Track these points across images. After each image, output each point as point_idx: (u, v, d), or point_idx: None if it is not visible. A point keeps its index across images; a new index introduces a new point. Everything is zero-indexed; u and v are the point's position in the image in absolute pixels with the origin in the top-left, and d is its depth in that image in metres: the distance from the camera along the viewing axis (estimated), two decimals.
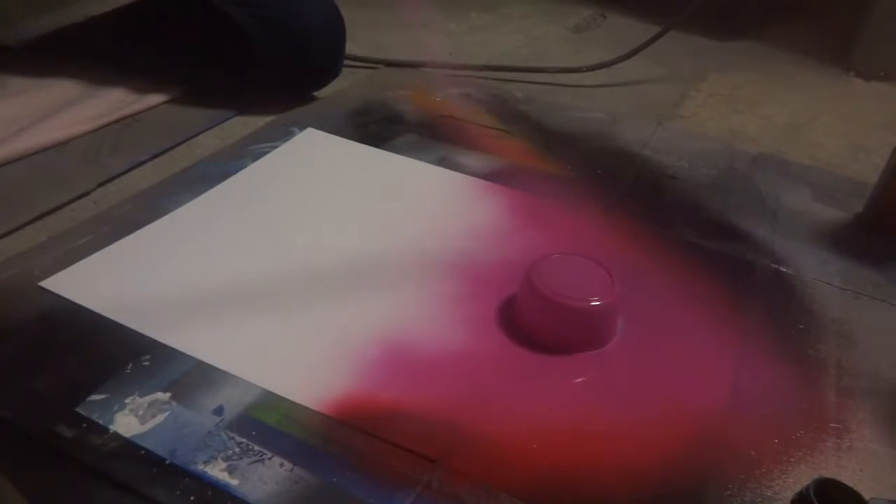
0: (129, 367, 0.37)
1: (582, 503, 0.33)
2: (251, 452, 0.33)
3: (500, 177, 0.58)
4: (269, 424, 0.34)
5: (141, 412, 0.34)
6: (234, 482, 0.31)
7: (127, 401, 0.35)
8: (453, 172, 0.58)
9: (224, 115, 0.65)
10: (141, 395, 0.35)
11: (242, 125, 0.64)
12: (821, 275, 0.50)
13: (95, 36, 0.70)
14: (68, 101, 0.62)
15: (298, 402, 0.36)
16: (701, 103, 0.79)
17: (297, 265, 0.46)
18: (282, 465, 0.32)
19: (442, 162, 0.59)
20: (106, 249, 0.45)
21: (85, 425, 0.33)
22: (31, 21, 0.29)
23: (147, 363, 0.37)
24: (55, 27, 0.29)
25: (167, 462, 0.32)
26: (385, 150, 0.60)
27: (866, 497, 0.31)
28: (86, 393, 0.35)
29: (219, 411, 0.35)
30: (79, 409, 0.34)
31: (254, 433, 0.34)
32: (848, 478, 0.32)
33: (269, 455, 0.33)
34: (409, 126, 0.65)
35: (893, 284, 0.49)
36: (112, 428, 0.33)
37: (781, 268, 0.50)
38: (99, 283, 0.42)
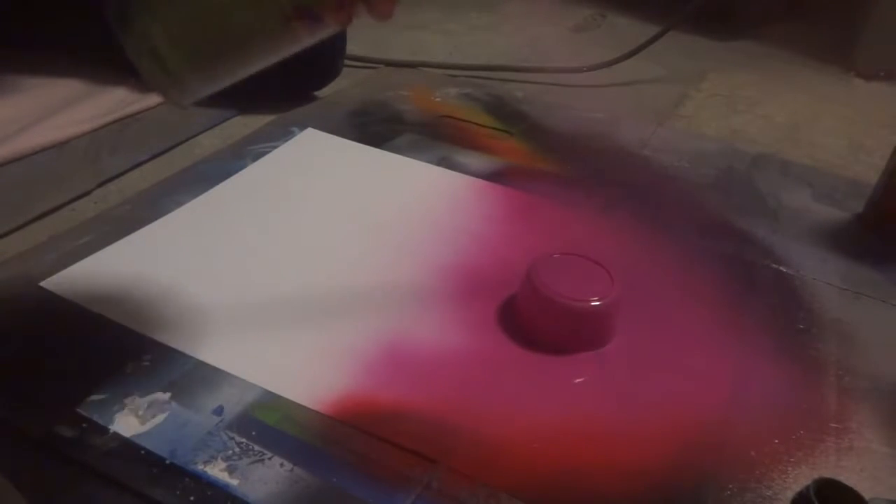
0: (129, 367, 0.37)
1: (582, 503, 0.33)
2: (251, 452, 0.33)
3: (500, 177, 0.58)
4: (269, 424, 0.34)
5: (141, 412, 0.34)
6: (234, 482, 0.31)
7: (127, 401, 0.35)
8: (453, 172, 0.58)
9: (224, 115, 0.65)
10: (141, 395, 0.35)
11: (242, 125, 0.64)
12: (821, 275, 0.50)
13: (96, 36, 0.70)
14: (68, 101, 0.62)
15: (298, 401, 0.36)
16: (701, 103, 0.79)
17: (296, 265, 0.46)
18: (282, 465, 0.32)
19: (442, 162, 0.59)
20: (106, 249, 0.45)
21: (85, 425, 0.33)
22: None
23: (147, 363, 0.37)
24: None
25: (167, 462, 0.32)
26: (385, 150, 0.60)
27: (866, 497, 0.31)
28: (86, 393, 0.35)
29: (219, 411, 0.35)
30: (79, 409, 0.34)
31: (254, 433, 0.34)
32: (848, 478, 0.32)
33: (269, 455, 0.33)
34: (409, 126, 0.65)
35: (893, 284, 0.49)
36: (112, 428, 0.33)
37: (781, 268, 0.50)
38: (99, 283, 0.42)
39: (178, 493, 0.31)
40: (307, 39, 0.31)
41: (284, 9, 0.29)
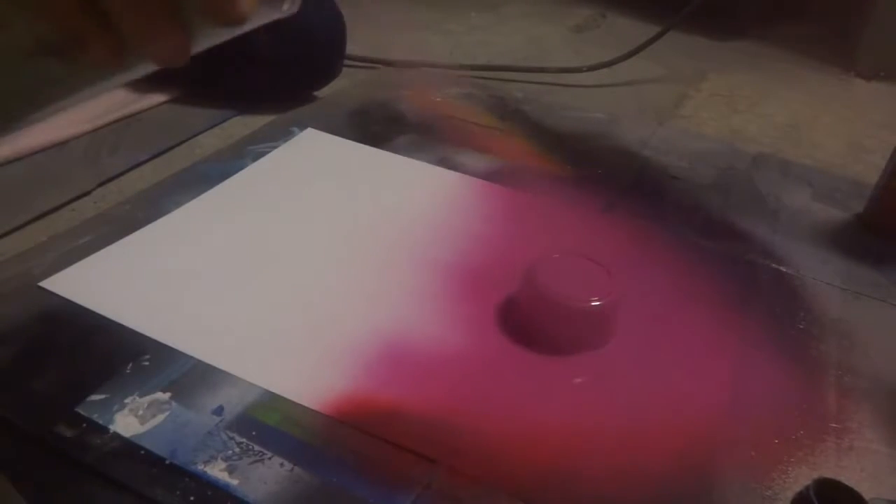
0: (129, 367, 0.37)
1: (582, 503, 0.33)
2: (251, 452, 0.33)
3: (500, 177, 0.58)
4: (269, 424, 0.34)
5: (141, 412, 0.34)
6: (234, 482, 0.31)
7: (127, 401, 0.35)
8: (453, 172, 0.58)
9: (224, 115, 0.65)
10: (141, 395, 0.35)
11: (242, 125, 0.64)
12: (821, 275, 0.50)
13: None
14: None
15: (298, 402, 0.36)
16: (701, 103, 0.79)
17: (296, 265, 0.46)
18: (282, 465, 0.32)
19: (442, 162, 0.59)
20: (106, 249, 0.45)
21: (85, 425, 0.33)
22: None
23: (147, 363, 0.37)
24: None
25: (167, 462, 0.32)
26: (385, 150, 0.60)
27: (866, 497, 0.31)
28: (86, 393, 0.35)
29: (219, 411, 0.35)
30: (79, 409, 0.34)
31: (254, 433, 0.34)
32: (848, 478, 0.32)
33: (269, 455, 0.33)
34: (409, 126, 0.65)
35: (893, 284, 0.49)
36: (112, 428, 0.33)
37: (781, 268, 0.50)
38: (99, 283, 0.42)
39: (178, 493, 0.31)
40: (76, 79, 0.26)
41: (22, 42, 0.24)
